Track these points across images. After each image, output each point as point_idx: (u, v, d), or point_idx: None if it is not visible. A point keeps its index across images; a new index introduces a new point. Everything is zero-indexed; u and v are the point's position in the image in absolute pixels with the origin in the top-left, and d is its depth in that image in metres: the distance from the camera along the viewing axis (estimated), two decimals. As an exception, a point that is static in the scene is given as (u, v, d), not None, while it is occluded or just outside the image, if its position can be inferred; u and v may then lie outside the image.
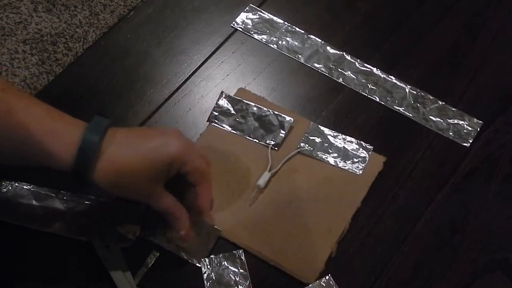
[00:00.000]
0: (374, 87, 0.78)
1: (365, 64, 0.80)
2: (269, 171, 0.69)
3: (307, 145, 0.72)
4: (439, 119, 0.76)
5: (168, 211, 0.61)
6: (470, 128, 0.75)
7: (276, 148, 0.71)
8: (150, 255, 0.63)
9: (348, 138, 0.73)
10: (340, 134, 0.73)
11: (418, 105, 0.77)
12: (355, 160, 0.71)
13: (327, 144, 0.72)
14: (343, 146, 0.72)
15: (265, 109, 0.74)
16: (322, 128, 0.74)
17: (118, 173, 0.57)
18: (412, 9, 0.87)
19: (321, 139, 0.73)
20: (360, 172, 0.70)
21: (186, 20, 0.84)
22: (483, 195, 0.71)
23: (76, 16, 1.83)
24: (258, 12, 0.85)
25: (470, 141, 0.74)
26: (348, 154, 0.72)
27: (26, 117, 0.55)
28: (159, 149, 0.58)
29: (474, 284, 0.64)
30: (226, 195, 0.68)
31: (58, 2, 1.85)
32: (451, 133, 0.75)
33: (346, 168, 0.70)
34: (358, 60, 0.81)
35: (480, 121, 0.76)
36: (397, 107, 0.77)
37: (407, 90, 0.78)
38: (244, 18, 0.84)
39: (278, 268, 0.64)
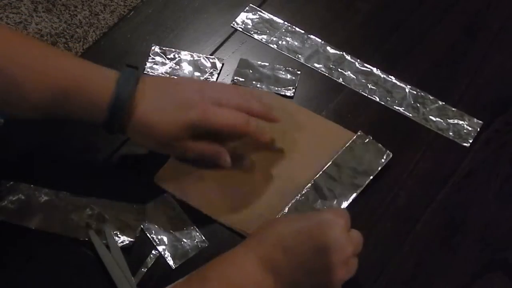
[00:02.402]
0: (374, 87, 0.78)
1: (365, 64, 0.80)
2: None
3: (240, 78, 0.77)
4: (439, 119, 0.76)
5: (205, 154, 0.66)
6: (470, 128, 0.75)
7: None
8: (150, 255, 0.63)
9: (277, 66, 0.78)
10: (267, 63, 0.78)
11: (418, 105, 0.77)
12: (286, 84, 0.77)
13: (258, 74, 0.78)
14: (273, 74, 0.78)
15: (195, 54, 0.79)
16: (251, 61, 0.79)
17: (148, 129, 0.62)
18: (412, 9, 0.87)
19: (251, 71, 0.78)
20: (291, 94, 0.76)
21: (186, 20, 0.84)
22: (483, 195, 0.71)
23: (76, 16, 1.83)
24: (258, 12, 0.85)
25: (470, 141, 0.74)
26: (279, 80, 0.77)
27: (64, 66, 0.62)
28: (180, 113, 0.62)
29: (474, 284, 0.64)
30: None
31: (58, 2, 1.85)
32: (451, 133, 0.75)
33: (282, 93, 0.76)
34: (358, 60, 0.81)
35: (480, 121, 0.76)
36: (397, 107, 0.77)
37: (407, 90, 0.78)
38: (244, 18, 0.84)
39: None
